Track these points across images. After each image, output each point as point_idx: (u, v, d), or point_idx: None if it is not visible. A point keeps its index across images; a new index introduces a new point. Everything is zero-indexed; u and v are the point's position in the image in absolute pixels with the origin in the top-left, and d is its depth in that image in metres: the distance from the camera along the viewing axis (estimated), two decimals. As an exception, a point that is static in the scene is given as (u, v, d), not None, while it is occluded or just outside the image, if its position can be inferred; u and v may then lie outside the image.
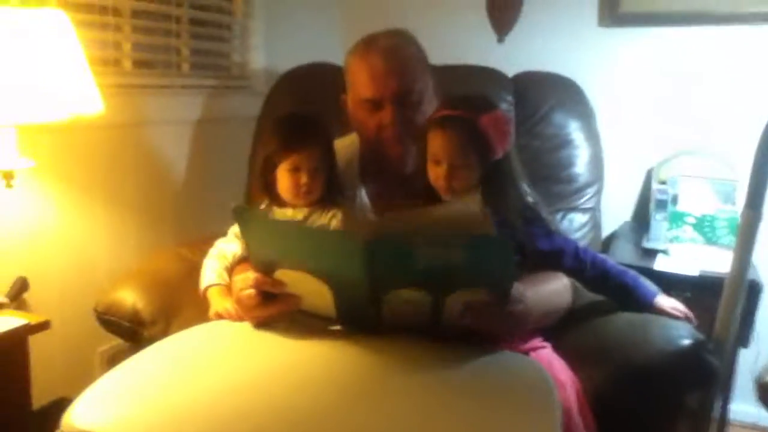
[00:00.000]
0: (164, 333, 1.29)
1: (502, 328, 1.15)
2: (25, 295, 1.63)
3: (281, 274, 1.16)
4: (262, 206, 1.39)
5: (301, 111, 1.49)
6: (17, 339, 1.26)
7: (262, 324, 1.20)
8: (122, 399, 0.97)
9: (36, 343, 1.49)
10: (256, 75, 2.33)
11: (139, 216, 1.96)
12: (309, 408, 0.95)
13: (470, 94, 1.36)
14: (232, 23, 2.28)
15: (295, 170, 1.33)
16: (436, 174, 1.29)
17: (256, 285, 1.17)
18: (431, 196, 1.33)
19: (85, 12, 1.74)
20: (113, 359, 1.43)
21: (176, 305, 1.44)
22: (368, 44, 1.46)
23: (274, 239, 1.16)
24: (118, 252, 1.90)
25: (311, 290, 1.14)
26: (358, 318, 1.15)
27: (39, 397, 1.52)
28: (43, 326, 1.30)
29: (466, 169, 1.27)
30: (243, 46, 2.33)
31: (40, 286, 1.66)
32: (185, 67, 2.14)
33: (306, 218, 1.36)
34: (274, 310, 1.19)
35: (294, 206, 1.36)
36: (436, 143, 1.28)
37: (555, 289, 1.37)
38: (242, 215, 1.16)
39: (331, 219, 1.36)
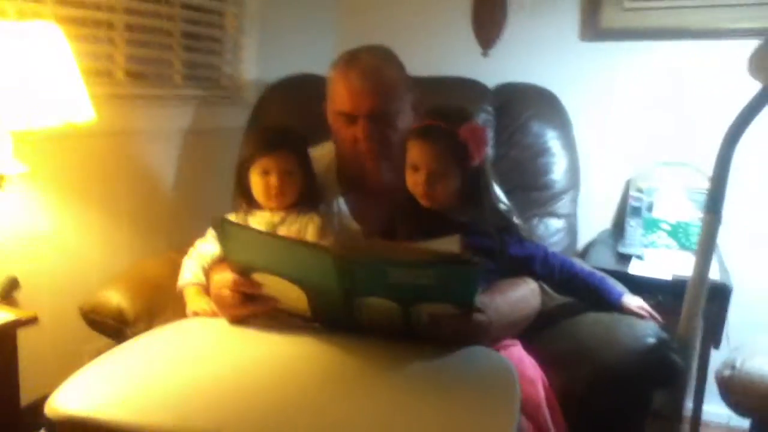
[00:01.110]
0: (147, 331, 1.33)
1: (466, 338, 1.18)
2: (16, 294, 1.68)
3: (258, 276, 1.21)
4: (240, 211, 1.45)
5: (283, 124, 1.56)
6: (6, 333, 1.31)
7: (238, 322, 1.25)
8: (103, 386, 1.02)
9: (26, 341, 1.54)
10: (246, 87, 2.38)
11: (132, 221, 2.01)
12: (280, 398, 1.00)
13: (448, 105, 1.41)
14: (223, 37, 2.34)
15: (265, 173, 1.39)
16: (414, 181, 1.35)
17: (234, 286, 1.22)
18: (410, 206, 1.38)
19: (79, 25, 1.81)
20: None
21: (160, 305, 1.48)
22: (350, 60, 1.51)
23: (252, 248, 1.21)
24: (111, 256, 1.94)
25: (288, 293, 1.19)
26: (332, 319, 1.21)
27: (28, 394, 1.58)
28: (30, 321, 1.34)
29: (445, 177, 1.33)
30: (234, 59, 2.39)
31: (31, 286, 1.70)
32: (177, 78, 2.20)
33: (282, 220, 1.42)
34: (251, 310, 1.24)
35: (271, 209, 1.42)
36: (416, 152, 1.35)
37: (522, 295, 1.41)
38: (221, 226, 1.22)
39: (308, 223, 1.42)
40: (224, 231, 1.22)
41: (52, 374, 1.74)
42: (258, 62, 2.42)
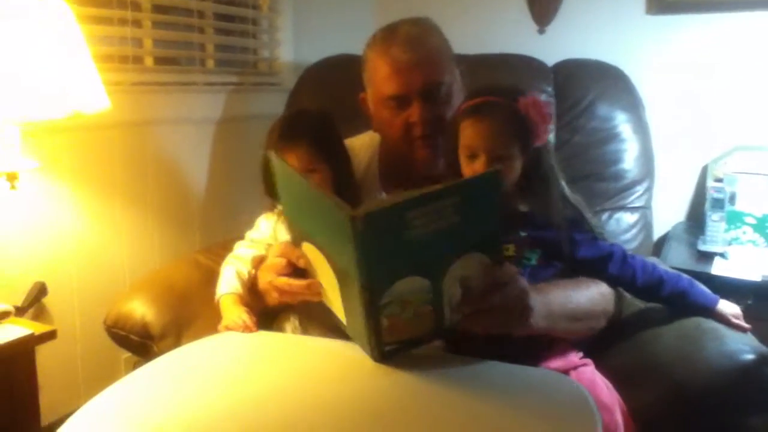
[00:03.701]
0: (174, 347, 1.20)
1: (505, 311, 1.03)
2: (45, 301, 1.59)
3: (306, 247, 1.10)
4: (275, 215, 1.31)
5: (307, 109, 1.40)
6: (22, 350, 1.19)
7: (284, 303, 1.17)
8: (112, 423, 0.89)
9: (54, 350, 1.44)
10: (284, 70, 2.26)
11: (163, 218, 1.90)
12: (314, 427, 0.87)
13: (496, 83, 1.23)
14: (258, 17, 2.20)
15: None
16: (472, 170, 1.15)
17: (283, 252, 1.16)
18: None
19: (102, 6, 1.69)
20: (138, 365, 1.36)
21: (188, 317, 1.36)
22: (388, 35, 1.35)
23: (290, 193, 1.11)
24: (142, 255, 1.85)
25: (327, 274, 1.05)
26: (359, 333, 1.05)
27: (62, 406, 1.48)
28: (49, 336, 1.22)
29: (508, 160, 1.14)
30: (271, 40, 2.26)
31: (60, 290, 1.63)
32: (210, 63, 2.07)
33: None
34: (298, 294, 1.15)
35: None
36: (471, 133, 1.15)
37: (587, 293, 1.22)
38: (273, 161, 1.11)
39: None
40: (276, 168, 1.11)
41: (86, 384, 1.68)
42: (295, 44, 2.28)
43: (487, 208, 0.98)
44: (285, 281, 1.15)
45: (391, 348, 1.03)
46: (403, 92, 1.31)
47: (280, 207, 1.30)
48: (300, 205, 1.10)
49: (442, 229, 0.94)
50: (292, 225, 1.15)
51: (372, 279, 0.95)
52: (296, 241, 1.12)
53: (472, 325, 1.03)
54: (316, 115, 1.30)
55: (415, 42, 1.32)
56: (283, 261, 1.16)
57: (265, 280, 1.21)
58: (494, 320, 1.03)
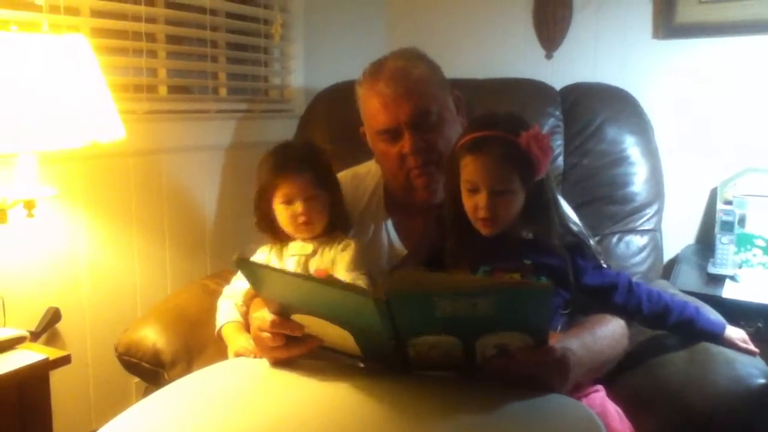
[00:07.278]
0: (185, 374, 1.20)
1: (543, 376, 1.01)
2: (58, 326, 1.60)
3: (298, 317, 1.07)
4: (276, 243, 1.32)
5: (293, 141, 1.46)
6: (37, 375, 1.21)
7: (280, 365, 1.12)
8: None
9: (68, 376, 1.45)
10: (295, 98, 2.28)
11: (176, 244, 1.92)
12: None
13: (495, 112, 1.23)
14: (270, 46, 2.24)
15: (288, 202, 1.26)
16: (474, 204, 1.16)
17: (273, 328, 1.09)
18: (461, 227, 1.21)
19: (118, 38, 1.73)
20: (149, 390, 1.37)
21: (199, 344, 1.37)
22: (374, 72, 1.39)
23: (284, 290, 1.08)
24: (154, 281, 1.86)
25: (331, 332, 1.05)
26: (384, 358, 1.06)
27: (73, 430, 1.49)
28: (64, 361, 1.24)
29: (509, 194, 1.14)
30: (282, 68, 2.29)
31: (73, 316, 1.64)
32: (222, 91, 2.10)
33: (315, 252, 1.28)
34: (294, 352, 1.11)
35: (303, 239, 1.29)
36: (472, 169, 1.15)
37: (612, 333, 1.22)
38: (246, 267, 1.07)
39: (344, 249, 1.28)
40: (252, 272, 1.08)
41: (97, 408, 1.69)
42: (306, 71, 2.31)
43: (534, 313, 0.96)
44: (285, 353, 1.11)
45: (417, 365, 1.05)
46: (393, 125, 1.34)
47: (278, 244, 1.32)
48: (289, 292, 1.07)
49: (477, 315, 0.93)
50: (279, 303, 1.09)
51: (399, 333, 0.97)
52: (282, 313, 1.08)
53: (503, 376, 1.02)
54: (308, 146, 1.35)
55: (400, 75, 1.35)
56: (276, 339, 1.09)
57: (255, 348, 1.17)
58: (529, 382, 1.02)
